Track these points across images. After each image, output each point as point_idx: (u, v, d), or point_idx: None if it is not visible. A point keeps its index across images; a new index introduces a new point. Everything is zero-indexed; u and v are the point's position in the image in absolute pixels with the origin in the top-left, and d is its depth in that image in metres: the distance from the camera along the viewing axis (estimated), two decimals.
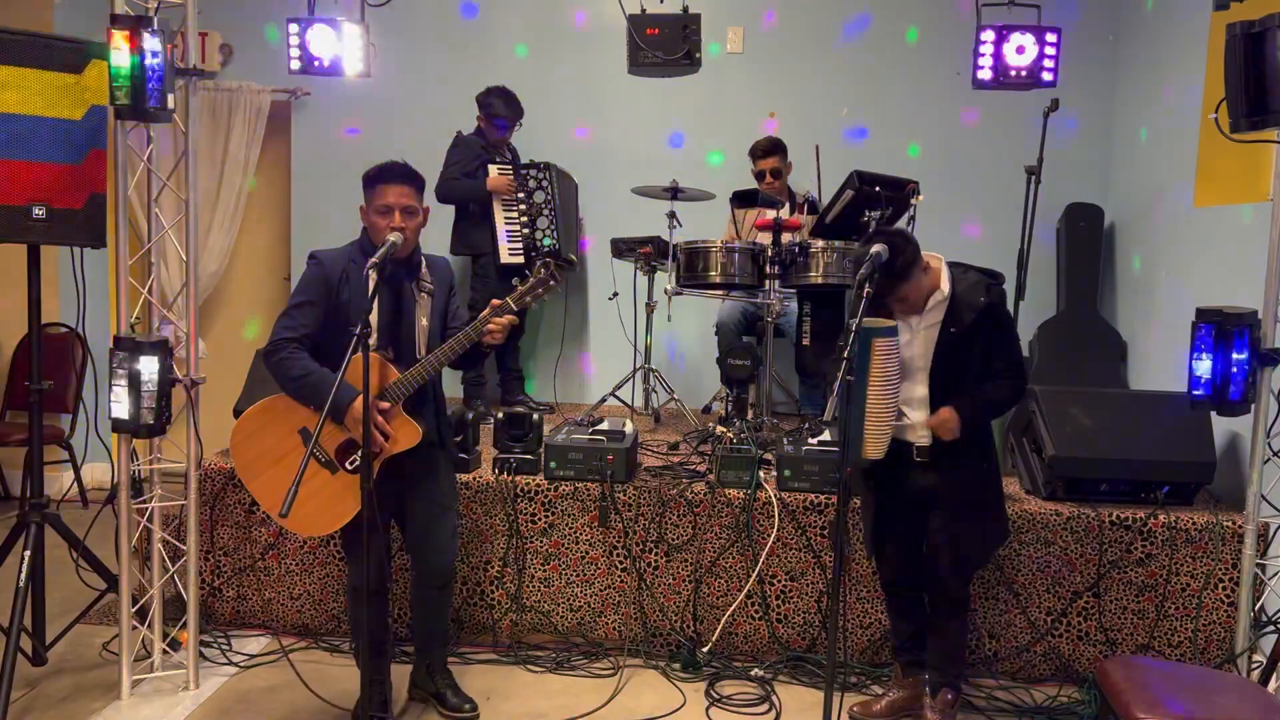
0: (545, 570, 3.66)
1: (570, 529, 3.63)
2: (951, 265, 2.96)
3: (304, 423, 2.90)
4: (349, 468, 2.89)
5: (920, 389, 2.92)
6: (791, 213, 4.78)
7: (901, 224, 4.21)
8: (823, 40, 5.33)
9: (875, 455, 2.83)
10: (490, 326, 2.84)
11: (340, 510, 2.88)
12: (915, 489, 2.98)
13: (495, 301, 2.87)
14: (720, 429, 4.05)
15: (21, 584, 3.11)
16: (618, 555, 3.63)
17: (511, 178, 4.73)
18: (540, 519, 3.64)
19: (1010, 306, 3.71)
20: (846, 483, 2.85)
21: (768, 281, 4.26)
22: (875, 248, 2.83)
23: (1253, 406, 3.08)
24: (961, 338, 2.87)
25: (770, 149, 4.87)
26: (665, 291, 4.39)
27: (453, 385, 4.56)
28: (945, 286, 2.90)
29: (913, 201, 4.15)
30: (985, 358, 2.89)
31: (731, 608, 3.58)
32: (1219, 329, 3.00)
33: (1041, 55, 3.69)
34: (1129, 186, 4.92)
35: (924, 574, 3.09)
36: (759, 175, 4.87)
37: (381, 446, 2.82)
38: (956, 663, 3.06)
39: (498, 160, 4.84)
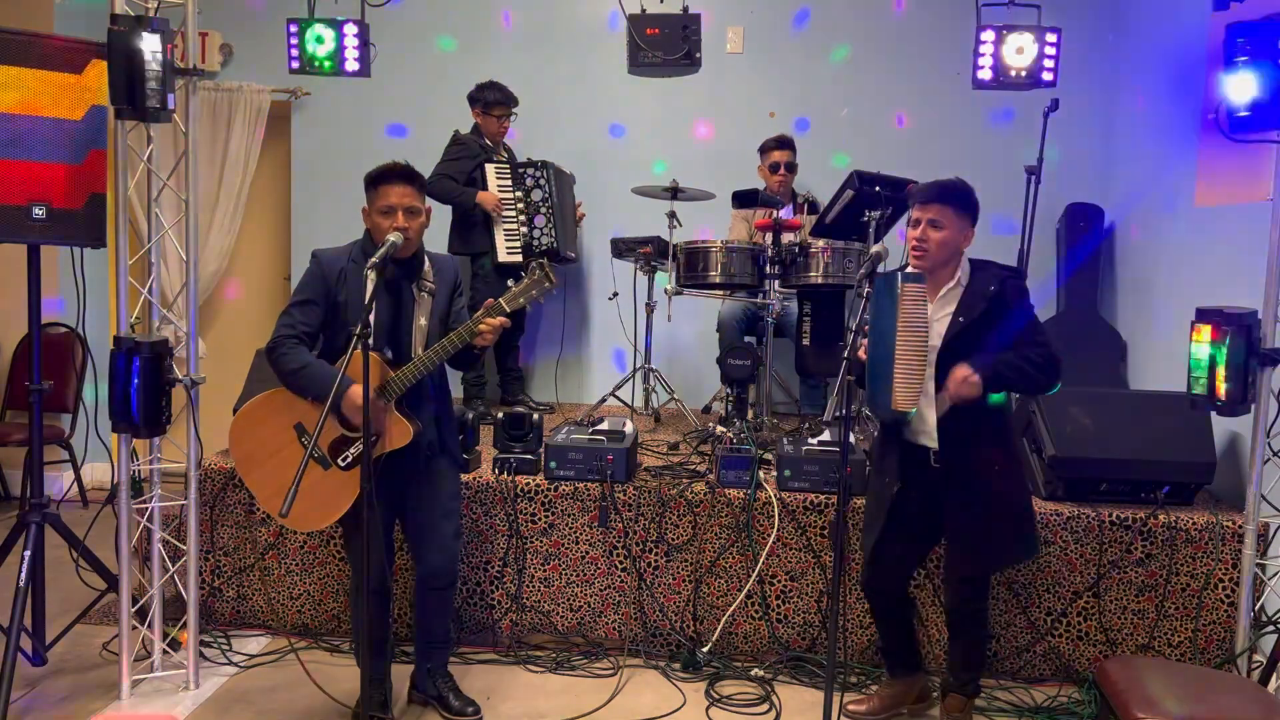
0: (545, 570, 3.66)
1: (570, 529, 3.63)
2: (974, 261, 2.93)
3: (300, 417, 2.91)
4: (341, 464, 2.90)
5: (930, 385, 2.85)
6: (793, 213, 4.79)
7: (901, 224, 4.21)
8: (822, 40, 5.33)
9: (905, 407, 2.76)
10: (480, 328, 2.84)
11: (333, 506, 2.89)
12: (929, 497, 2.93)
13: (489, 301, 2.88)
14: (720, 429, 4.05)
15: (21, 584, 3.11)
16: (618, 555, 3.63)
17: (497, 199, 4.73)
18: (540, 519, 3.64)
19: None
20: (846, 482, 2.84)
21: (767, 281, 4.26)
22: (875, 248, 2.87)
23: (1253, 406, 3.07)
24: (971, 327, 2.82)
25: (784, 142, 4.93)
26: (665, 291, 4.39)
27: (453, 385, 4.56)
28: (962, 277, 2.88)
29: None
30: (1000, 348, 2.80)
31: (731, 608, 3.58)
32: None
33: (1041, 55, 3.69)
34: (1129, 186, 4.92)
35: (907, 583, 3.09)
36: (773, 167, 4.88)
37: (374, 442, 2.83)
38: (972, 669, 3.03)
39: (494, 160, 4.84)
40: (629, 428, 3.87)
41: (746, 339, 4.79)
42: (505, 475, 3.66)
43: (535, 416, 3.78)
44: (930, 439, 2.89)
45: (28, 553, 3.17)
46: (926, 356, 2.79)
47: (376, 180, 2.89)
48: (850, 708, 3.16)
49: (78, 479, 5.04)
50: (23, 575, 3.13)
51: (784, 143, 4.92)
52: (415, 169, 2.94)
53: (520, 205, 4.78)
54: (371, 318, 2.80)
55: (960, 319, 2.83)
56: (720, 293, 4.52)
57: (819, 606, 3.57)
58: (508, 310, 2.87)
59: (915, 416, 2.89)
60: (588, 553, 3.64)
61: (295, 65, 3.86)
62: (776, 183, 4.87)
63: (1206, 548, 3.40)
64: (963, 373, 2.75)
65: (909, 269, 2.94)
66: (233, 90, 5.55)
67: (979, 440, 2.85)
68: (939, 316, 2.88)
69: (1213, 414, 3.30)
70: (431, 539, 3.03)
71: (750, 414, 4.25)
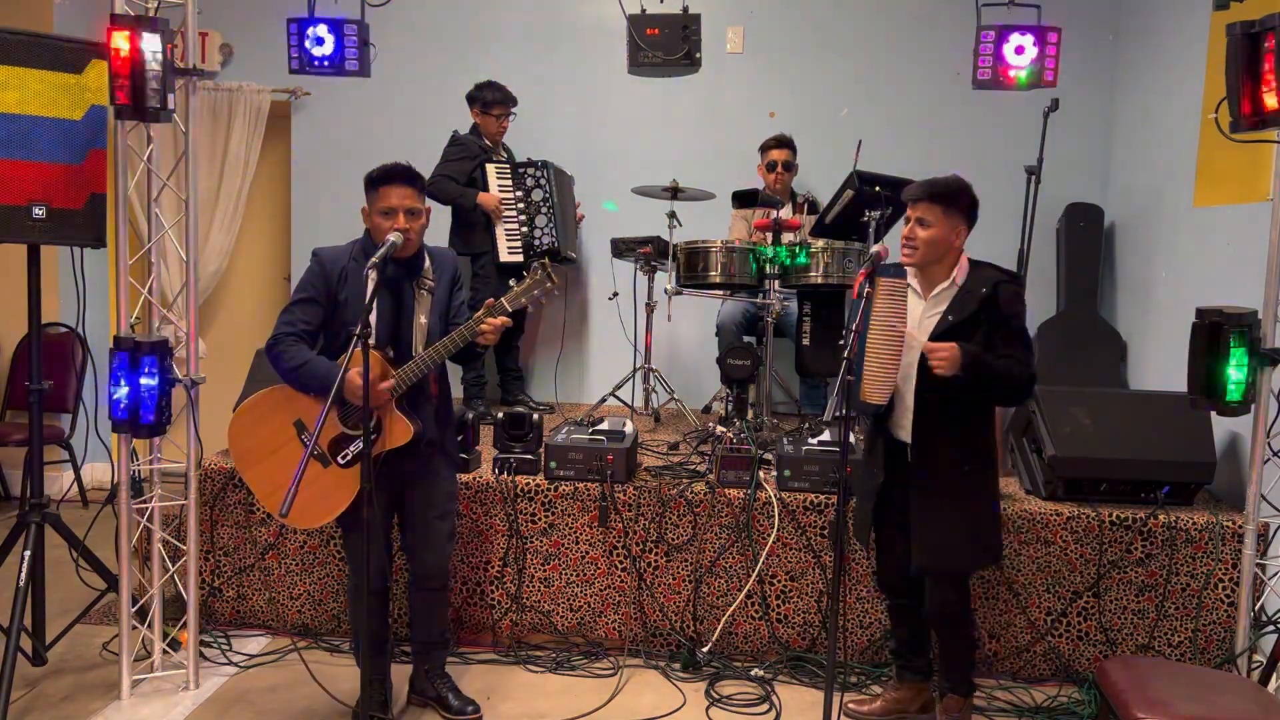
0: (545, 570, 3.66)
1: (570, 529, 3.63)
2: (974, 262, 2.91)
3: (299, 414, 2.91)
4: (341, 461, 2.90)
5: (913, 382, 2.85)
6: (792, 213, 4.79)
7: (901, 224, 4.21)
8: (823, 40, 5.33)
9: (875, 399, 2.78)
10: (482, 328, 2.84)
11: (332, 503, 2.90)
12: (905, 490, 2.94)
13: (490, 301, 2.88)
14: (720, 429, 4.05)
15: (21, 584, 3.11)
16: (618, 555, 3.63)
17: (499, 200, 4.73)
18: (540, 519, 3.64)
19: None
20: (847, 482, 2.84)
21: (768, 281, 4.26)
22: (875, 248, 2.87)
23: (1252, 406, 3.07)
24: (958, 326, 2.80)
25: (783, 140, 4.93)
26: (665, 291, 4.39)
27: (453, 385, 4.58)
28: (958, 278, 2.86)
29: None
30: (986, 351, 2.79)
31: (731, 608, 3.58)
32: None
33: (1041, 55, 3.69)
34: (1129, 186, 4.92)
35: (918, 582, 3.08)
36: (770, 166, 4.89)
37: (376, 440, 2.83)
38: (961, 669, 3.01)
39: (494, 160, 4.84)
40: (629, 428, 3.87)
41: (746, 339, 4.79)
42: (505, 475, 3.66)
43: (535, 416, 3.78)
44: (908, 433, 2.90)
45: (28, 553, 3.17)
46: (900, 351, 2.79)
47: (377, 181, 2.89)
48: (851, 707, 3.16)
49: (78, 479, 5.04)
50: (23, 575, 3.13)
51: (783, 142, 4.92)
52: (416, 169, 2.95)
53: (521, 205, 4.78)
54: (372, 317, 2.81)
55: (949, 317, 2.82)
56: (720, 293, 4.53)
57: (819, 606, 3.57)
58: (509, 310, 2.87)
59: (900, 411, 2.90)
60: (588, 553, 3.64)
61: (295, 65, 3.85)
62: (774, 180, 4.88)
63: (1206, 548, 3.40)
64: (952, 351, 2.71)
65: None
66: (233, 90, 5.55)
67: (951, 440, 2.85)
68: (931, 314, 2.87)
69: (1213, 414, 3.30)
70: (426, 540, 3.03)
71: (750, 414, 4.25)
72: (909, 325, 2.85)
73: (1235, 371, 2.99)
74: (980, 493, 2.93)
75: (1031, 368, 2.82)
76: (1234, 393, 3.00)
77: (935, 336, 2.82)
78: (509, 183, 4.79)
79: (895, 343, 2.77)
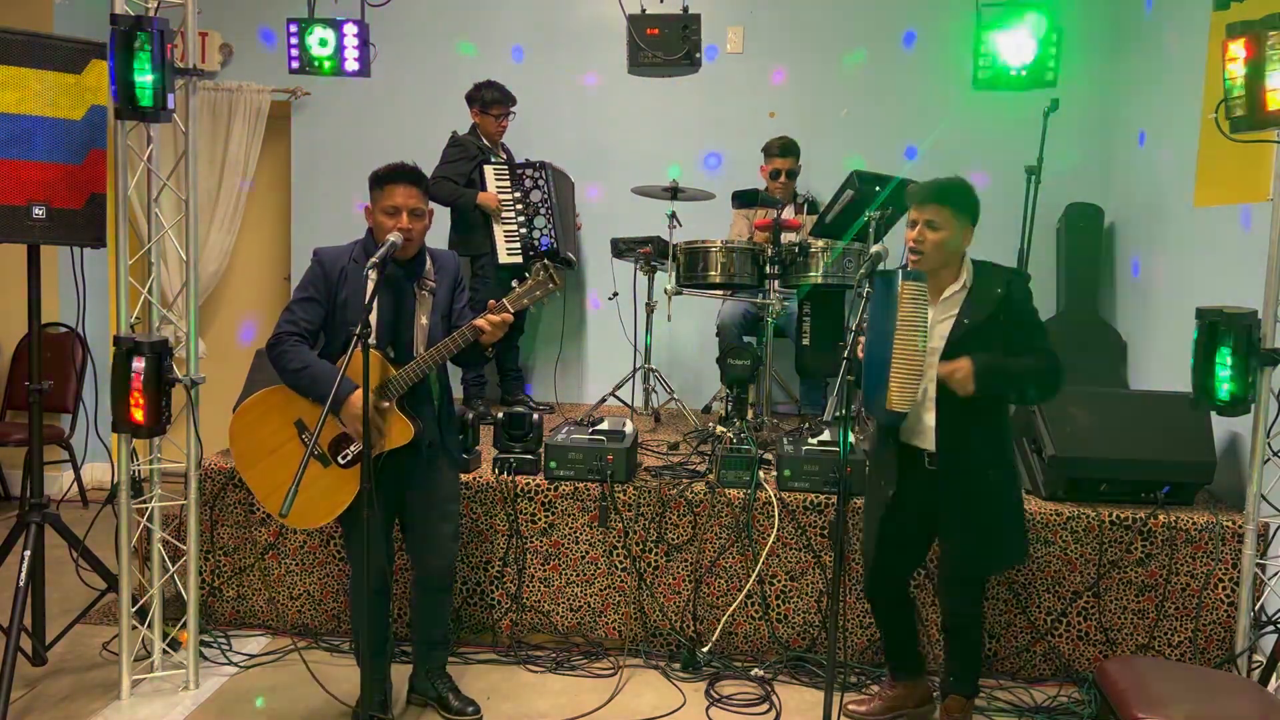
0: (545, 570, 3.66)
1: (570, 529, 3.63)
2: (977, 262, 2.91)
3: (300, 414, 2.91)
4: (341, 461, 2.90)
5: (932, 387, 2.83)
6: (793, 213, 4.79)
7: (901, 224, 4.21)
8: (823, 40, 5.33)
9: (900, 407, 2.75)
10: (480, 324, 2.84)
11: (332, 503, 2.90)
12: (925, 498, 2.91)
13: (492, 303, 2.88)
14: (720, 429, 4.05)
15: (21, 584, 3.11)
16: (618, 555, 3.63)
17: (498, 200, 4.73)
18: (540, 519, 3.64)
19: None
20: (846, 482, 2.83)
21: (768, 281, 4.26)
22: (875, 248, 2.86)
23: (1253, 406, 3.07)
24: (977, 329, 2.79)
25: (787, 149, 4.90)
26: (665, 291, 4.39)
27: (454, 386, 4.58)
28: (966, 278, 2.85)
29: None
30: (1006, 352, 2.79)
31: (731, 608, 3.58)
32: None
33: (1039, 55, 3.69)
34: (1129, 186, 4.91)
35: (907, 586, 3.09)
36: (773, 174, 4.88)
37: (374, 442, 2.83)
38: (971, 671, 3.01)
39: (493, 161, 4.84)
40: (629, 428, 3.87)
41: (746, 339, 4.79)
42: (505, 475, 3.66)
43: (535, 416, 3.78)
44: (925, 440, 2.88)
45: (28, 553, 3.17)
46: (923, 357, 2.77)
47: (383, 179, 2.89)
48: (850, 707, 3.16)
49: (78, 479, 5.04)
50: (23, 575, 3.13)
51: (787, 150, 4.88)
52: (421, 170, 2.94)
53: (520, 206, 4.78)
54: (372, 317, 2.81)
55: (965, 320, 2.81)
56: (720, 293, 4.52)
57: (819, 606, 3.57)
58: (511, 310, 2.87)
59: (912, 418, 2.87)
60: (588, 553, 3.64)
61: (295, 65, 3.85)
62: (776, 189, 4.87)
63: (1206, 548, 3.40)
64: (965, 369, 2.72)
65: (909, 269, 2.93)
66: (233, 90, 5.55)
67: (975, 443, 2.84)
68: (942, 319, 2.85)
69: (1213, 414, 3.30)
70: (429, 541, 3.03)
71: (750, 414, 4.24)
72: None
73: (1230, 371, 2.98)
74: (1007, 493, 2.93)
75: (1056, 357, 2.79)
76: (1227, 392, 2.99)
77: (951, 341, 2.81)
78: (507, 184, 4.79)
79: (918, 349, 2.73)
